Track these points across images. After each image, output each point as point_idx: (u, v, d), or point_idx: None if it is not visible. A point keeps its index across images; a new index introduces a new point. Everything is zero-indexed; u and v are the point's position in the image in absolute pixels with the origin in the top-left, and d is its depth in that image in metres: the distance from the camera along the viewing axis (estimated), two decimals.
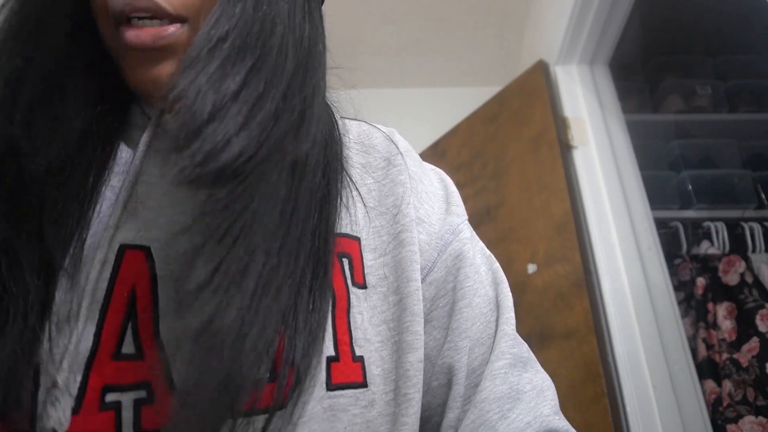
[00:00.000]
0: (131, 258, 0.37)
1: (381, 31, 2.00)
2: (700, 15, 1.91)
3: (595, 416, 1.10)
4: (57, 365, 0.33)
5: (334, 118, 0.48)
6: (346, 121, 0.50)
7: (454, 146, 1.85)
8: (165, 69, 0.37)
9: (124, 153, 0.41)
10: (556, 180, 1.40)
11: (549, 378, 0.46)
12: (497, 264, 0.50)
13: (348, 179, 0.45)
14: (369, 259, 0.43)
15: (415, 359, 0.41)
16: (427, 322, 0.45)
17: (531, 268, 1.38)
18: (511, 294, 0.48)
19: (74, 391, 0.33)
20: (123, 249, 0.37)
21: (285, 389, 0.34)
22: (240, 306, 0.30)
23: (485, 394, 0.42)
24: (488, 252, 0.51)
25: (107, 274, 0.36)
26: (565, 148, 1.47)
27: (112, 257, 0.36)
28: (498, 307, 0.47)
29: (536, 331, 1.29)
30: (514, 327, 0.46)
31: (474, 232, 0.51)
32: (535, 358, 0.47)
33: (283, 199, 0.34)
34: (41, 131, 0.35)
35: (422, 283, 0.45)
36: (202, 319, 0.30)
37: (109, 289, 0.35)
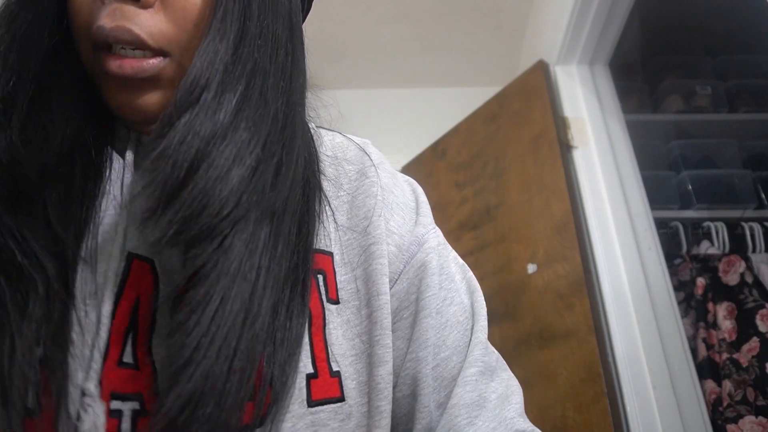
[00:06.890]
0: (138, 268, 0.37)
1: (381, 31, 2.00)
2: (700, 15, 1.91)
3: (595, 416, 1.10)
4: (85, 370, 0.33)
5: (312, 132, 0.48)
6: (321, 132, 0.51)
7: (454, 146, 1.85)
8: (148, 99, 0.38)
9: (116, 162, 0.41)
10: (556, 180, 1.40)
11: (516, 384, 0.47)
12: (471, 273, 0.51)
13: (323, 195, 0.45)
14: (341, 273, 0.44)
15: (386, 372, 0.42)
16: (391, 332, 0.45)
17: (531, 268, 1.38)
18: (484, 302, 0.49)
19: (97, 398, 0.33)
20: (131, 258, 0.37)
21: (264, 407, 0.35)
22: (228, 324, 0.31)
23: (455, 399, 0.43)
24: (461, 261, 0.52)
25: (118, 279, 0.36)
26: (565, 148, 1.46)
27: (122, 265, 0.37)
28: (473, 314, 0.48)
29: (536, 331, 1.29)
30: (486, 334, 0.48)
31: (445, 241, 0.52)
32: (505, 365, 0.48)
33: (262, 243, 0.35)
34: (32, 141, 0.36)
35: None
36: (191, 344, 0.30)
37: (117, 297, 0.36)
